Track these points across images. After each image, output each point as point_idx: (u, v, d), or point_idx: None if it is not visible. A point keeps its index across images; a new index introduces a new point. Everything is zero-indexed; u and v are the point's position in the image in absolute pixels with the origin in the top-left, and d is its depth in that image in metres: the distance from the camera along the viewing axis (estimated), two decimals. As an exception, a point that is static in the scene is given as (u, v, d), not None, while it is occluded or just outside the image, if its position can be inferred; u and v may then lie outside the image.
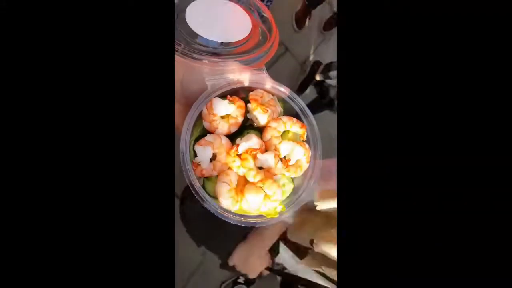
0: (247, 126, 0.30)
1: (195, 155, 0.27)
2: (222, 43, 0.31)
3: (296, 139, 0.30)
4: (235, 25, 0.32)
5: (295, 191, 0.30)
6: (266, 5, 0.79)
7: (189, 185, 0.26)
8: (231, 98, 0.28)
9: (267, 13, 0.33)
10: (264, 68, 0.30)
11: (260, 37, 0.32)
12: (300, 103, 0.30)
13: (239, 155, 0.27)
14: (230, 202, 0.27)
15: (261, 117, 0.28)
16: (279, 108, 0.30)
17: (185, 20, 0.30)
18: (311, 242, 0.49)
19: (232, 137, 0.29)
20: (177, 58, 0.28)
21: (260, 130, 0.29)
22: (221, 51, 0.30)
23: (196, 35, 0.30)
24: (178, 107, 0.29)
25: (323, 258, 0.47)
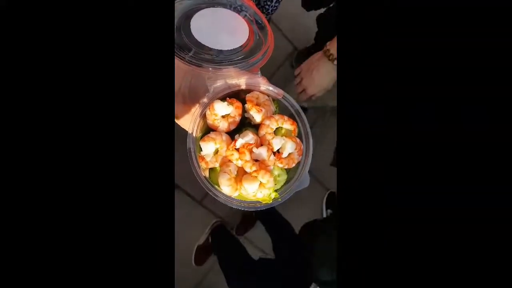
0: (245, 124, 0.34)
1: (201, 150, 0.32)
2: (223, 50, 0.35)
3: (289, 135, 0.34)
4: (234, 33, 0.36)
5: (288, 181, 0.34)
6: (273, 8, 0.81)
7: (196, 175, 0.31)
8: (230, 100, 0.32)
9: (263, 20, 0.36)
10: (259, 71, 0.34)
11: (257, 43, 0.35)
12: (292, 102, 0.34)
13: (237, 149, 0.31)
14: (230, 189, 0.31)
15: (256, 116, 0.32)
16: (273, 108, 0.34)
17: (191, 32, 0.34)
18: None
19: (232, 134, 0.33)
20: (185, 66, 0.33)
21: (256, 127, 0.33)
22: (222, 58, 0.34)
23: (201, 44, 0.34)
24: (187, 109, 0.34)
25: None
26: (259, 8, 0.94)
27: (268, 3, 0.83)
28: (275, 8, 0.76)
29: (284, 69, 1.42)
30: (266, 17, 0.97)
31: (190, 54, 0.33)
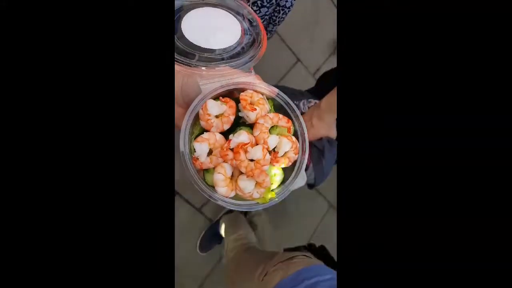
0: (240, 123, 0.33)
1: (194, 151, 0.31)
2: (215, 49, 0.34)
3: (284, 133, 0.33)
4: (226, 31, 0.35)
5: (285, 180, 0.33)
6: (281, 19, 0.82)
7: (189, 177, 0.31)
8: (223, 100, 0.32)
9: (255, 18, 0.36)
10: (253, 70, 0.34)
11: (249, 41, 0.35)
12: (287, 100, 0.33)
13: (231, 149, 0.31)
14: (225, 190, 0.31)
15: (250, 114, 0.32)
16: (268, 106, 0.33)
17: (182, 32, 0.34)
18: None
19: (227, 134, 0.32)
20: (176, 66, 0.32)
21: (251, 127, 0.33)
22: (214, 57, 0.34)
23: (192, 44, 0.34)
24: (179, 110, 0.33)
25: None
26: (267, 21, 0.95)
27: (276, 14, 0.84)
28: (282, 19, 0.77)
29: (288, 79, 1.44)
30: (272, 28, 0.98)
31: (195, 59, 0.33)
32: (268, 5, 0.66)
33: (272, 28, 0.92)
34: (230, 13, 0.37)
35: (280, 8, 0.77)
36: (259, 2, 0.67)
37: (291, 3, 0.76)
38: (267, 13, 0.71)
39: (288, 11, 0.80)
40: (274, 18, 0.87)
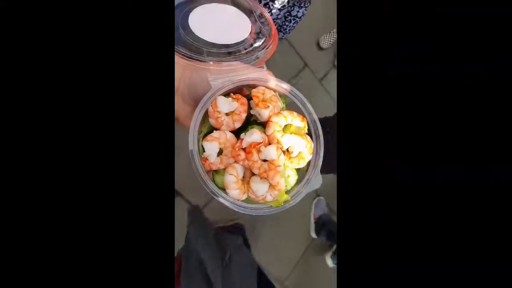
0: (251, 121, 0.32)
1: (203, 151, 0.30)
2: (224, 45, 0.32)
3: (298, 132, 0.31)
4: (235, 27, 0.33)
5: (299, 181, 0.32)
6: (291, 28, 0.83)
7: (199, 178, 0.29)
8: (234, 96, 0.30)
9: (264, 14, 0.34)
10: (265, 65, 0.32)
11: (259, 37, 0.33)
12: (301, 98, 0.32)
13: (243, 149, 0.29)
14: (237, 193, 0.29)
15: (263, 112, 0.30)
16: (281, 104, 0.31)
17: (190, 26, 0.32)
18: None
19: (238, 132, 0.31)
20: (184, 61, 0.30)
21: (264, 125, 0.31)
22: (223, 52, 0.32)
23: (200, 39, 0.32)
24: (186, 108, 0.32)
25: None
26: (277, 28, 0.95)
27: (287, 23, 0.84)
28: (293, 28, 0.79)
29: (295, 83, 1.44)
30: (282, 36, 0.98)
31: (203, 54, 0.31)
32: (280, 7, 0.66)
33: (282, 36, 0.93)
34: (239, 8, 0.35)
35: (292, 17, 0.78)
36: (270, 3, 0.67)
37: (303, 13, 0.77)
38: (279, 16, 0.71)
39: (299, 20, 0.80)
40: (284, 27, 0.87)
